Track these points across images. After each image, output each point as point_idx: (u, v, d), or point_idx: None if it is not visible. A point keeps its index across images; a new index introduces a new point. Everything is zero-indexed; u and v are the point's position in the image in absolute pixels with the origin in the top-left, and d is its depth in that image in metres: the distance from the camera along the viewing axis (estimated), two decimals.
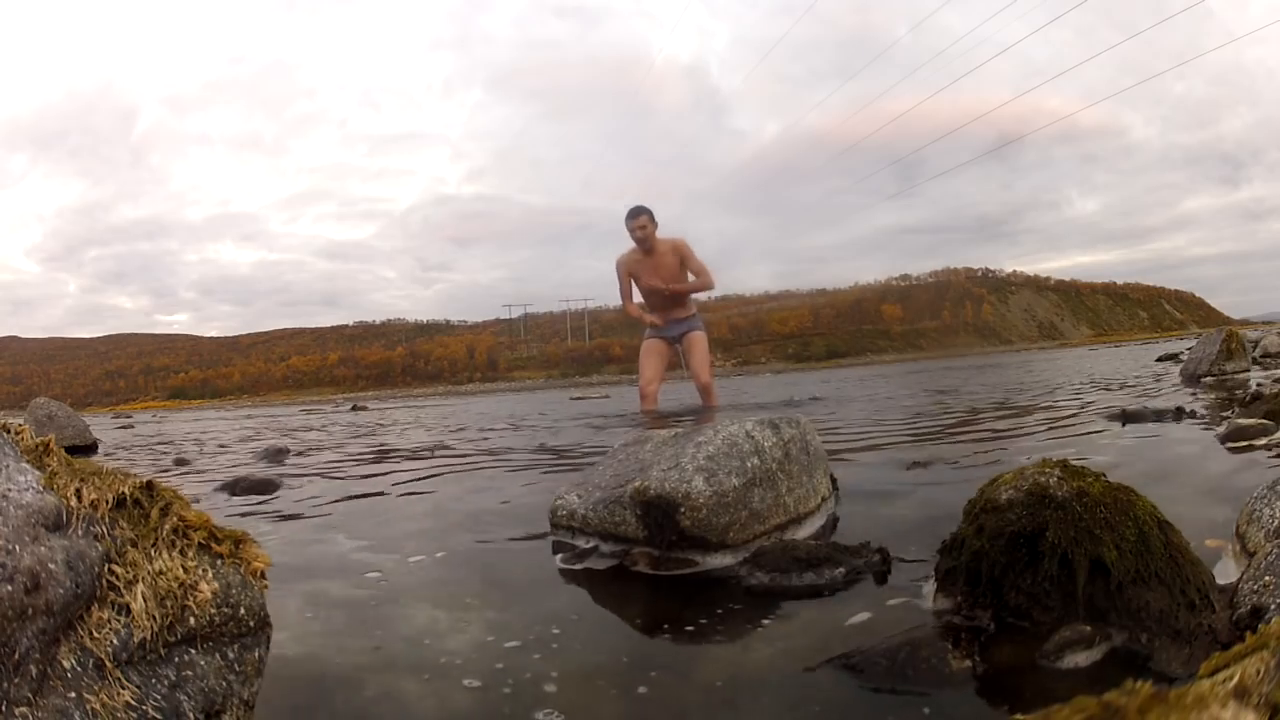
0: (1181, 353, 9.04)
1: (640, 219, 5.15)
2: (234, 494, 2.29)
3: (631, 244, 5.26)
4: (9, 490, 0.57)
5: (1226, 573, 0.93)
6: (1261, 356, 6.57)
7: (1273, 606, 0.76)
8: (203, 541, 0.67)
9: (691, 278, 5.29)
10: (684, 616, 0.99)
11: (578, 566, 1.24)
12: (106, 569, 0.60)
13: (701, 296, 5.75)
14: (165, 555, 0.64)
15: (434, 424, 6.37)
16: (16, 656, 0.53)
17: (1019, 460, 1.90)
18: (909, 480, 1.83)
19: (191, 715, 0.61)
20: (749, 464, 1.28)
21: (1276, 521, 0.99)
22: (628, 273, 5.38)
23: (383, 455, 3.50)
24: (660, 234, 5.22)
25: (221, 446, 4.88)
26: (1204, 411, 2.83)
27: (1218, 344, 5.00)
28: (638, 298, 5.44)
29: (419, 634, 0.97)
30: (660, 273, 5.21)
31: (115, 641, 0.59)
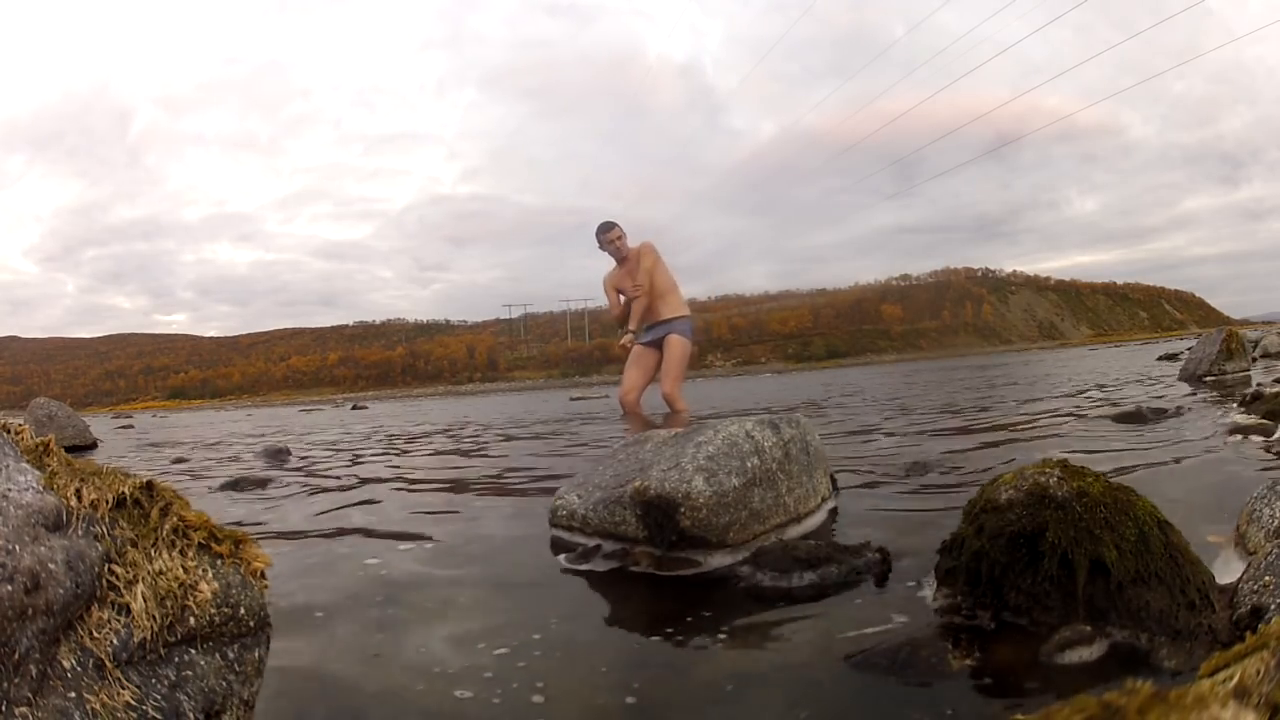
0: (1181, 353, 9.05)
1: (612, 231, 5.17)
2: (234, 493, 2.29)
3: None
4: (9, 490, 0.57)
5: (1227, 573, 0.93)
6: (1261, 356, 6.58)
7: (1273, 606, 0.76)
8: (203, 541, 0.66)
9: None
10: (683, 617, 0.99)
11: (577, 566, 1.24)
12: (106, 569, 0.60)
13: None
14: (165, 555, 0.64)
15: (433, 423, 6.36)
16: (16, 656, 0.53)
17: (1019, 460, 1.90)
18: (909, 480, 1.83)
19: (191, 715, 0.61)
20: (749, 464, 1.28)
21: (1276, 521, 0.99)
22: (612, 286, 5.40)
23: (383, 455, 3.50)
24: (650, 238, 5.27)
25: (222, 446, 4.88)
26: (1204, 411, 2.83)
27: (1218, 344, 5.01)
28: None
29: (417, 637, 0.97)
30: (631, 280, 5.23)
31: (115, 641, 0.59)
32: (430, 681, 0.83)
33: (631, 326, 5.26)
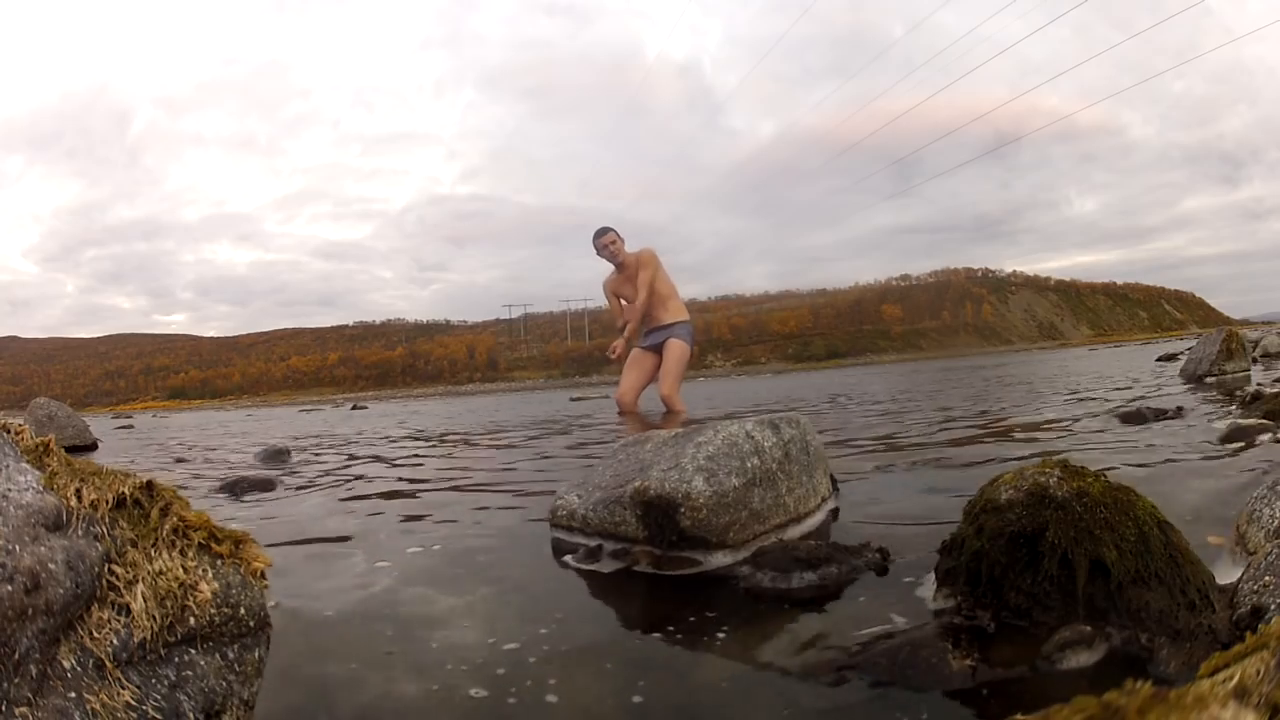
0: (1181, 353, 9.05)
1: (607, 236, 5.20)
2: (234, 494, 2.29)
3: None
4: (9, 490, 0.57)
5: (1227, 573, 0.93)
6: (1261, 356, 6.58)
7: (1273, 606, 0.76)
8: (203, 541, 0.66)
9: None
10: (684, 617, 0.99)
11: (578, 567, 1.24)
12: (106, 569, 0.60)
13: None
14: (165, 555, 0.64)
15: (433, 423, 6.37)
16: (16, 656, 0.53)
17: (1019, 460, 1.90)
18: (909, 480, 1.83)
19: (191, 715, 0.61)
20: (749, 464, 1.28)
21: (1276, 521, 0.99)
22: (613, 292, 5.41)
23: (383, 455, 3.50)
24: (651, 238, 5.33)
25: (221, 447, 4.88)
26: (1204, 411, 2.83)
27: (1218, 344, 5.01)
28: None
29: (421, 637, 0.97)
30: (634, 286, 5.24)
31: (115, 641, 0.59)
32: (443, 680, 0.83)
33: (627, 337, 5.29)
